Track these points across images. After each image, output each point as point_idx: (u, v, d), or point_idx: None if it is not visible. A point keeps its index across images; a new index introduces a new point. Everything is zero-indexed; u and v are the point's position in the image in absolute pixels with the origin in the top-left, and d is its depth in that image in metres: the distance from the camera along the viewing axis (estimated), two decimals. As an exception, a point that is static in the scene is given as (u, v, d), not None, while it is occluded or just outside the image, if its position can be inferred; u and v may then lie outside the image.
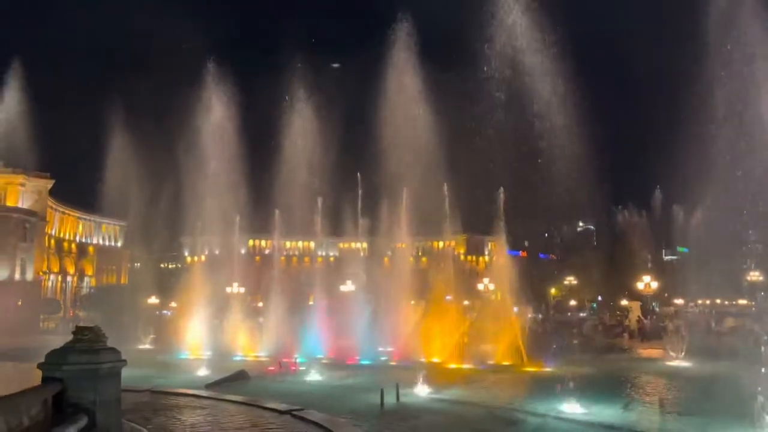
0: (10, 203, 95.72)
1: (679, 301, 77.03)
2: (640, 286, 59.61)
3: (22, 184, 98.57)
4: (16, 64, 77.11)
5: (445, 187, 47.45)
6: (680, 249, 70.93)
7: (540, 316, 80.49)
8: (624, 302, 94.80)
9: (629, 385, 29.66)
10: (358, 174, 55.22)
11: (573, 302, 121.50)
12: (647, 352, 47.98)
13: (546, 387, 27.27)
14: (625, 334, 62.81)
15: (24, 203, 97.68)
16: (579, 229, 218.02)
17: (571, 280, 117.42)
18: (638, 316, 70.06)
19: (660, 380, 31.23)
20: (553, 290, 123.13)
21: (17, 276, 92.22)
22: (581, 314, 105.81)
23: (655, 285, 56.59)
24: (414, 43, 47.81)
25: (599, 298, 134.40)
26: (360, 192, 54.33)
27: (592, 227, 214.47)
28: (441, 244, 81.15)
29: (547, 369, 35.83)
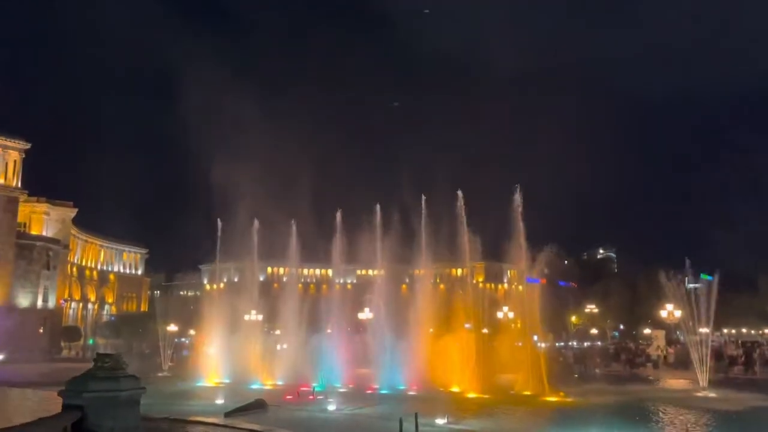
0: (34, 231, 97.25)
1: (704, 330, 75.52)
2: (663, 314, 58.41)
3: (46, 213, 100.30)
4: (40, 94, 79.11)
5: (464, 213, 47.02)
6: (703, 276, 69.42)
7: (561, 344, 79.14)
8: (647, 331, 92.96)
9: (653, 416, 28.89)
10: (377, 204, 55.10)
11: (594, 330, 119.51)
12: (673, 382, 46.83)
13: (568, 417, 26.69)
14: (649, 364, 61.56)
15: (48, 231, 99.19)
16: (600, 256, 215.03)
17: (592, 308, 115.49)
18: (663, 346, 68.69)
19: (685, 411, 30.36)
20: (573, 318, 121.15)
21: (39, 303, 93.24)
22: (599, 342, 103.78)
23: (678, 314, 55.27)
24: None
25: (621, 326, 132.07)
26: (378, 218, 54.14)
27: (613, 254, 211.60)
28: (459, 271, 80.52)
29: (569, 399, 35.12)
